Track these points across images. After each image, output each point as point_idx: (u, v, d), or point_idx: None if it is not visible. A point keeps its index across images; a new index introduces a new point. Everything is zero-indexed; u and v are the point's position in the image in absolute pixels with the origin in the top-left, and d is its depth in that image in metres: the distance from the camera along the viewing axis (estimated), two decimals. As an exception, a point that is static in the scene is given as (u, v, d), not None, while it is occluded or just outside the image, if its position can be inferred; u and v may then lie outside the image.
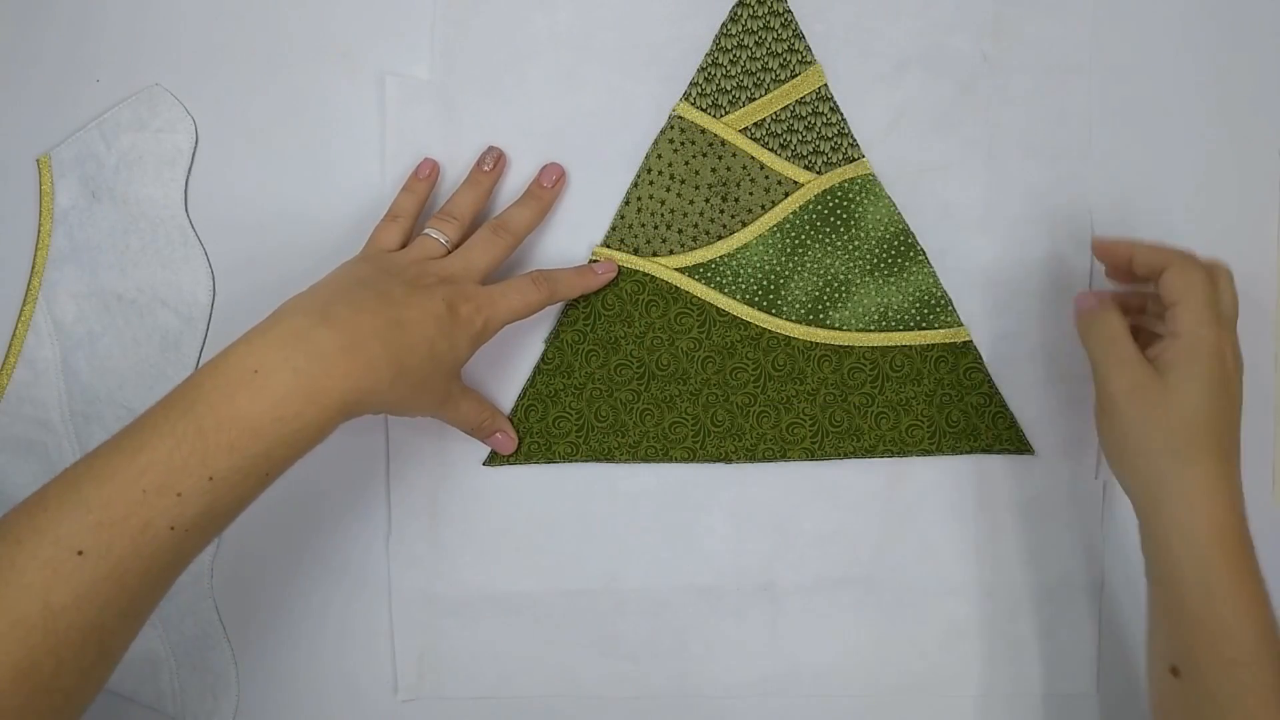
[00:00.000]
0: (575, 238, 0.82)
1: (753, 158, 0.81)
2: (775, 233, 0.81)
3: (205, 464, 0.62)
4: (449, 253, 0.77)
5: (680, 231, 0.81)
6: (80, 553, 0.59)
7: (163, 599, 0.65)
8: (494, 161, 0.80)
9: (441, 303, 0.71)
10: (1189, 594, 0.66)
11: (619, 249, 0.81)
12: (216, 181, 0.84)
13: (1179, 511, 0.68)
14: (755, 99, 0.81)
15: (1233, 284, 0.73)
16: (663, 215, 0.81)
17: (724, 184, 0.81)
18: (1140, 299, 0.77)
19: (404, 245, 0.78)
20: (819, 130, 0.81)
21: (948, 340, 0.81)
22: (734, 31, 0.81)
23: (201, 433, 0.62)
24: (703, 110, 0.81)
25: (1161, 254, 0.72)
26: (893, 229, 0.81)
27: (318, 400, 0.65)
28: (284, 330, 0.66)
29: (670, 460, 0.82)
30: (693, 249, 0.81)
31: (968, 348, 0.81)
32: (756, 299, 0.81)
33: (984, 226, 0.81)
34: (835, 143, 0.81)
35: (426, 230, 0.77)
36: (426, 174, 0.81)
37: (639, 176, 0.81)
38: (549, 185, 0.80)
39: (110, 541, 0.60)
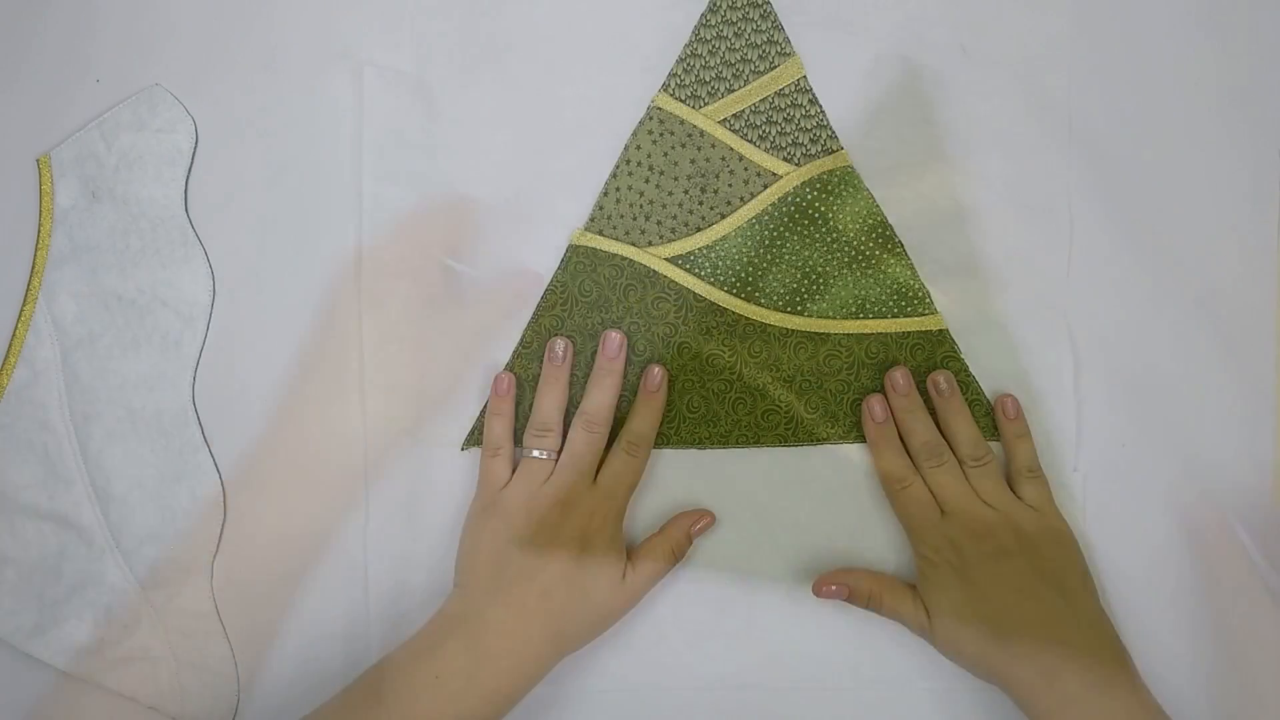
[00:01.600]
0: (554, 228, 0.82)
1: (732, 149, 0.81)
2: (754, 225, 0.81)
3: None
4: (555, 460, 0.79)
5: (659, 223, 0.82)
6: None
7: None
8: (564, 352, 0.81)
9: (569, 559, 0.75)
10: None
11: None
12: (216, 181, 0.84)
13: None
14: (734, 90, 0.81)
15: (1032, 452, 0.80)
16: (641, 206, 0.81)
17: (703, 175, 0.81)
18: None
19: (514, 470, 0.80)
20: (798, 122, 0.81)
21: (924, 328, 0.81)
22: (713, 23, 0.81)
23: None
24: (681, 101, 0.81)
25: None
26: (871, 221, 0.81)
27: (491, 697, 0.73)
28: (458, 640, 0.74)
29: (645, 446, 0.82)
30: (671, 240, 0.81)
31: (944, 336, 0.81)
32: (735, 290, 0.81)
33: (962, 219, 0.81)
34: (814, 134, 0.81)
35: (527, 450, 0.79)
36: (506, 389, 0.81)
37: (618, 167, 0.81)
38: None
39: None
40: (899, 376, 0.79)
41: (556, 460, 0.79)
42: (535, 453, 0.78)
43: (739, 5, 0.81)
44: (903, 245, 0.81)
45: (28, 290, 0.84)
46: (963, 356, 0.81)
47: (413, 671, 0.73)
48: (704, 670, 0.82)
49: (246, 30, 0.84)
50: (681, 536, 0.80)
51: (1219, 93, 0.82)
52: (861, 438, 0.81)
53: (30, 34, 0.85)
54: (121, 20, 0.85)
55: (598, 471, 0.79)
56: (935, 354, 0.81)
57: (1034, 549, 0.75)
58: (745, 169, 0.81)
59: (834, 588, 0.78)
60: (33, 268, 0.84)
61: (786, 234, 0.81)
